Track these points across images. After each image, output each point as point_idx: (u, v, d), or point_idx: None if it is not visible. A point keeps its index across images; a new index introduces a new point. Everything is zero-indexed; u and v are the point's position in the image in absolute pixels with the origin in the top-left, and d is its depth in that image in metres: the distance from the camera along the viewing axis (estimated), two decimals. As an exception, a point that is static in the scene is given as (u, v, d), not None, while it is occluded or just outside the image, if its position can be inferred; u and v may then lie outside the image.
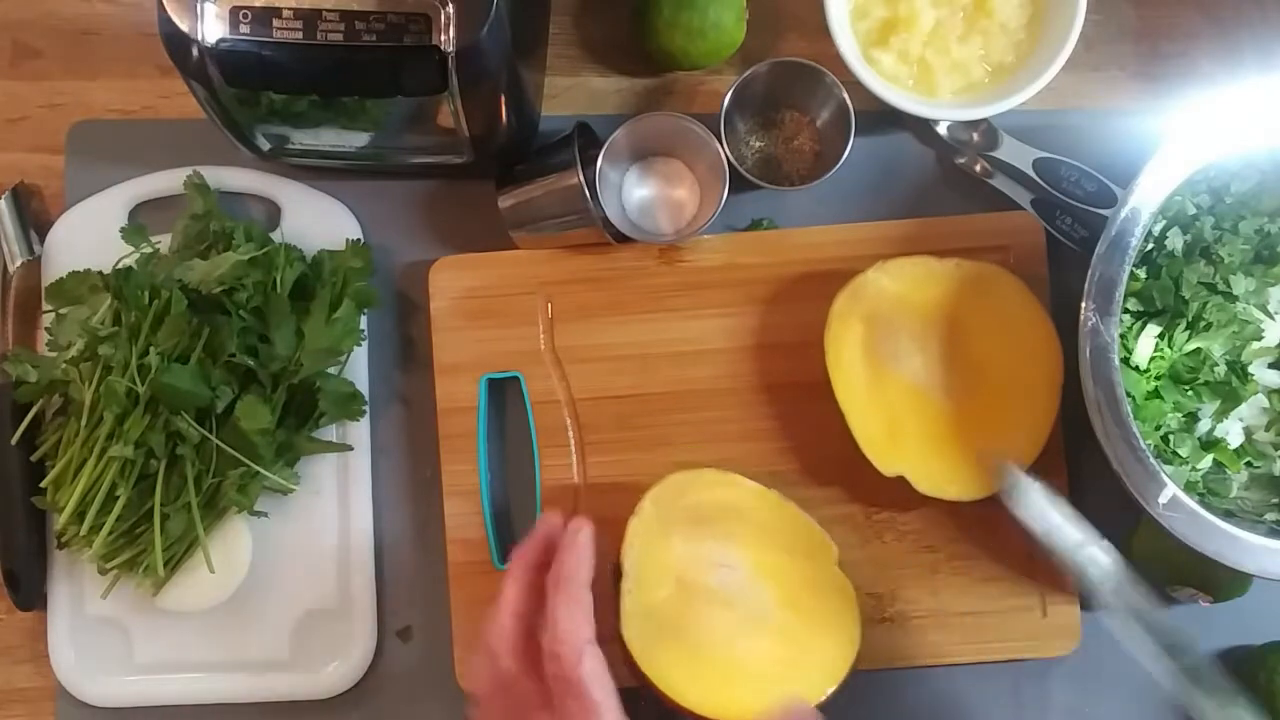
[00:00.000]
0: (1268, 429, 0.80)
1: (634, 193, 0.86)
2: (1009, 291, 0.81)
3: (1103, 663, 0.85)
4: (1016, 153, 0.85)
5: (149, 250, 0.82)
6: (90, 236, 0.85)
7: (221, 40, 0.69)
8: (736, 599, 0.77)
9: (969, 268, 0.81)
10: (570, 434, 0.84)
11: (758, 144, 0.87)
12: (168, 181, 0.86)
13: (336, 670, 0.84)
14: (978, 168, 0.86)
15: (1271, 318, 0.79)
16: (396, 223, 0.87)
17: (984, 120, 0.85)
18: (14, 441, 0.81)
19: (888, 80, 0.83)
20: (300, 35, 0.69)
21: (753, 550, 0.78)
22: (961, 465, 0.79)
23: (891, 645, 0.83)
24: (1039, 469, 0.81)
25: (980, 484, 0.79)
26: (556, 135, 0.83)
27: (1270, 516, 0.77)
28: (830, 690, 0.77)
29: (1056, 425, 0.81)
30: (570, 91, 0.88)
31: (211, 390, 0.78)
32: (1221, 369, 0.79)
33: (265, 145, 0.81)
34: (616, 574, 0.77)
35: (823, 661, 0.77)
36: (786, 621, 0.77)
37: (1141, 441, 0.72)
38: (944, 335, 0.81)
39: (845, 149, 0.82)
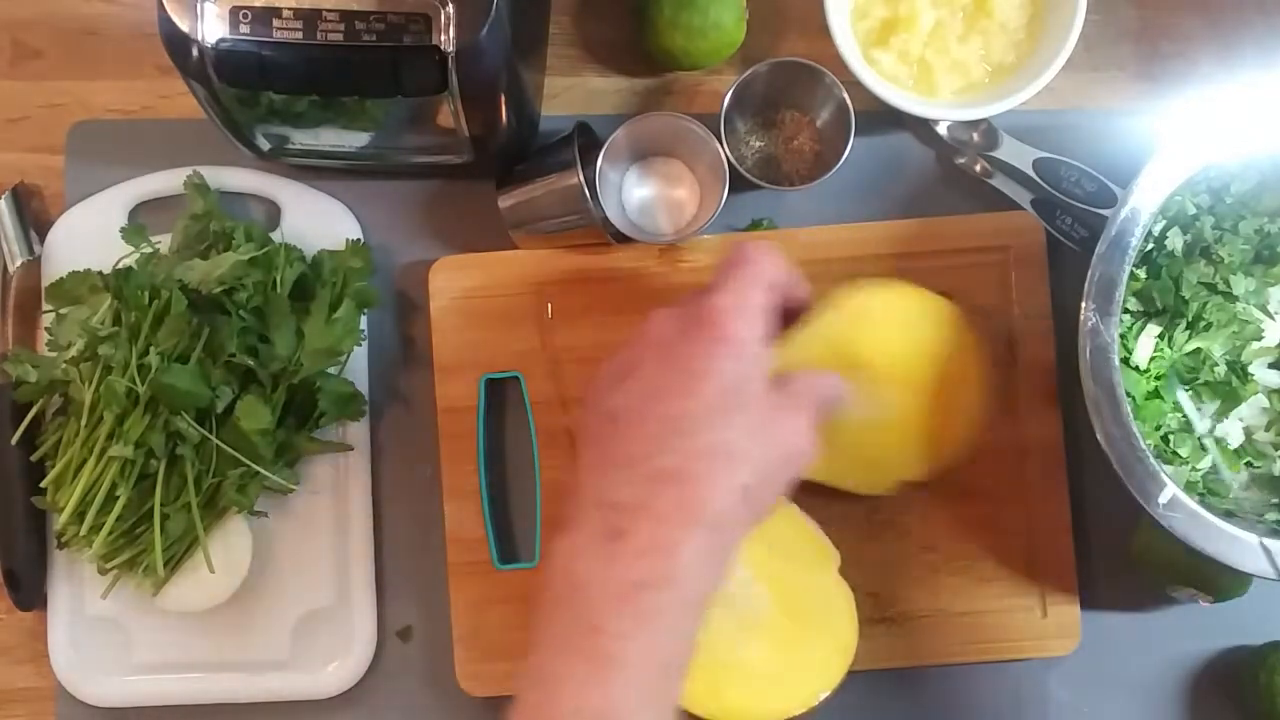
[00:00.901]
0: (1268, 429, 0.80)
1: (634, 193, 0.86)
2: (900, 302, 0.79)
3: (1103, 663, 0.85)
4: (1016, 153, 0.85)
5: (149, 250, 0.82)
6: (90, 236, 0.85)
7: (221, 40, 0.69)
8: (733, 600, 0.77)
9: (850, 303, 0.78)
10: (570, 434, 0.84)
11: (758, 144, 0.87)
12: (168, 181, 0.86)
13: (336, 670, 0.84)
14: (978, 168, 0.86)
15: (1271, 318, 0.79)
16: (396, 223, 0.87)
17: (984, 120, 0.85)
18: (14, 441, 0.81)
19: (888, 80, 0.83)
20: (300, 35, 0.69)
21: (752, 553, 0.78)
22: (898, 464, 0.79)
23: (891, 645, 0.83)
24: (1038, 469, 0.82)
25: (920, 466, 0.79)
26: (556, 135, 0.83)
27: (1270, 516, 0.77)
28: (824, 695, 0.77)
29: (1059, 423, 0.81)
30: (570, 91, 0.88)
31: (211, 390, 0.78)
32: (1221, 369, 0.79)
33: (265, 145, 0.81)
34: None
35: (817, 667, 0.77)
36: (783, 626, 0.77)
37: (1141, 441, 0.72)
38: (853, 367, 0.78)
39: (845, 149, 0.82)
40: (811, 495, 0.81)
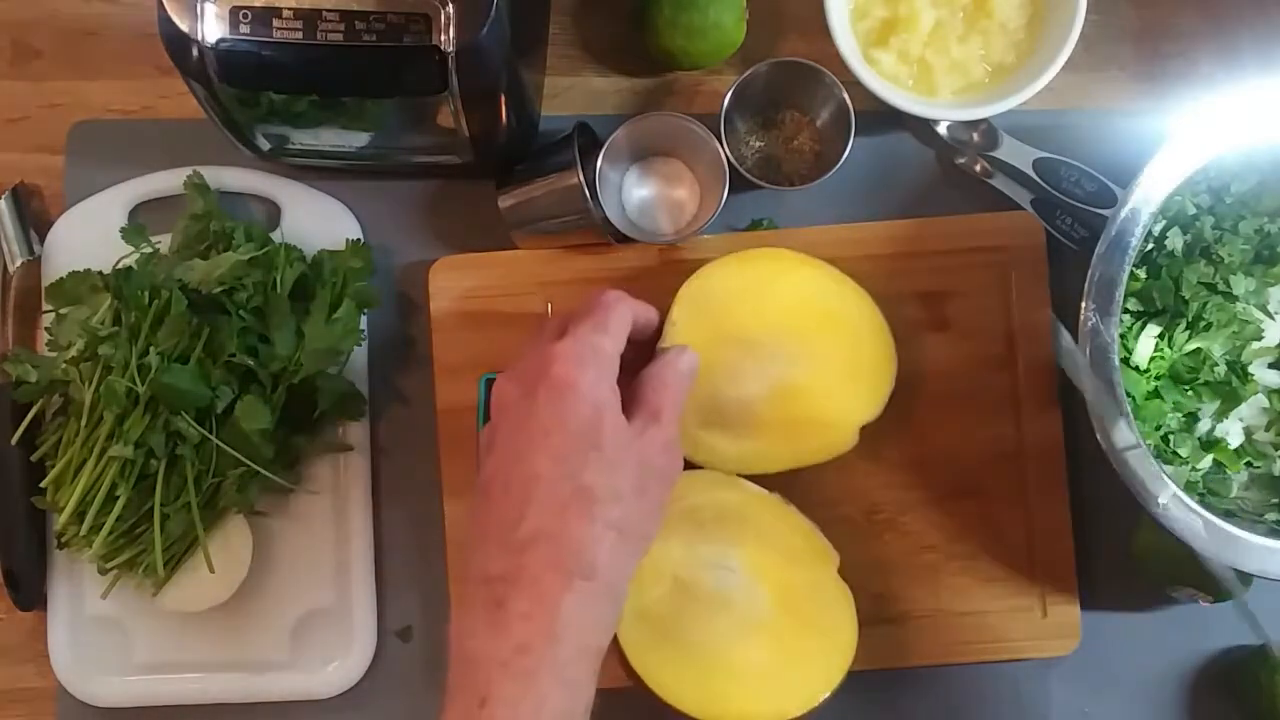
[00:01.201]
0: (1268, 429, 0.80)
1: (634, 193, 0.86)
2: (759, 267, 0.80)
3: (1103, 663, 0.85)
4: (1016, 153, 0.85)
5: (149, 250, 0.82)
6: (90, 236, 0.85)
7: (221, 40, 0.69)
8: (733, 602, 0.77)
9: (718, 282, 0.80)
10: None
11: (758, 144, 0.87)
12: (168, 181, 0.86)
13: (336, 670, 0.84)
14: (978, 168, 0.86)
15: (1271, 318, 0.79)
16: (396, 223, 0.87)
17: (984, 120, 0.85)
18: (14, 441, 0.81)
19: (888, 80, 0.83)
20: (300, 35, 0.69)
21: (752, 554, 0.78)
22: (841, 413, 0.79)
23: (892, 645, 0.83)
24: (1038, 469, 0.82)
25: (841, 440, 0.80)
26: (556, 135, 0.83)
27: (1270, 516, 0.77)
28: (824, 696, 0.77)
29: (1059, 423, 0.81)
30: (570, 91, 0.88)
31: (211, 390, 0.78)
32: (1221, 369, 0.79)
33: (265, 145, 0.81)
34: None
35: (818, 667, 0.77)
36: (783, 626, 0.77)
37: (1141, 441, 0.72)
38: (741, 340, 0.79)
39: (845, 149, 0.82)
40: (810, 495, 0.81)
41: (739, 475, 0.79)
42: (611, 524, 0.65)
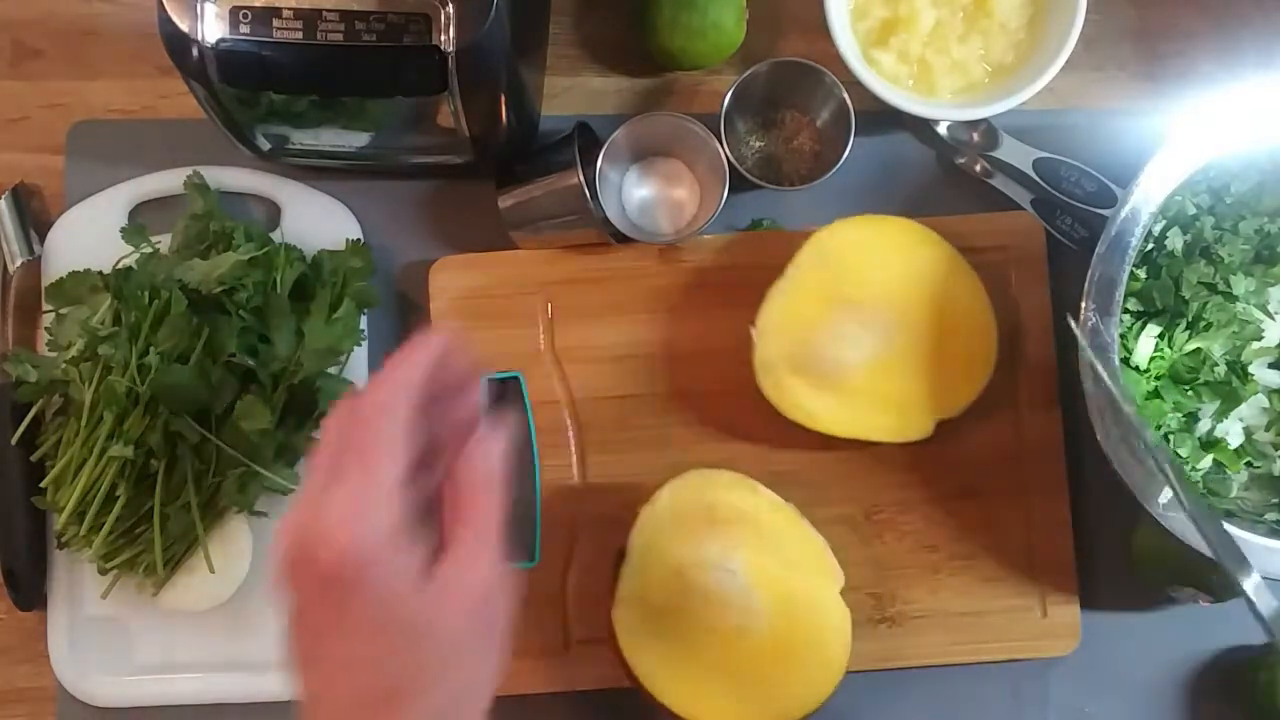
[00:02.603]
0: (1268, 429, 0.80)
1: (634, 193, 0.86)
2: (887, 233, 0.81)
3: (1103, 663, 0.85)
4: (1016, 153, 0.85)
5: (149, 250, 0.82)
6: (90, 236, 0.85)
7: (221, 40, 0.69)
8: (731, 603, 0.77)
9: (834, 240, 0.80)
10: (570, 434, 0.84)
11: (758, 144, 0.87)
12: (168, 181, 0.86)
13: (336, 670, 0.84)
14: (978, 168, 0.86)
15: (1271, 318, 0.79)
16: (396, 223, 0.87)
17: (984, 120, 0.85)
18: (14, 441, 0.81)
19: (888, 80, 0.83)
20: (300, 35, 0.69)
21: (757, 558, 0.78)
22: (923, 401, 0.80)
23: (891, 645, 0.83)
24: (1038, 469, 0.82)
25: (924, 421, 0.80)
26: (556, 135, 0.83)
27: (1270, 516, 0.77)
28: (808, 711, 0.77)
29: (1059, 423, 0.81)
30: (570, 91, 0.88)
31: (211, 390, 0.78)
32: (1221, 369, 0.79)
33: (265, 145, 0.81)
34: (619, 557, 0.78)
35: (804, 680, 0.77)
36: (777, 634, 0.77)
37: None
38: (846, 304, 0.80)
39: (845, 149, 0.82)
40: (811, 494, 0.81)
41: (809, 429, 0.79)
42: (433, 712, 0.55)
